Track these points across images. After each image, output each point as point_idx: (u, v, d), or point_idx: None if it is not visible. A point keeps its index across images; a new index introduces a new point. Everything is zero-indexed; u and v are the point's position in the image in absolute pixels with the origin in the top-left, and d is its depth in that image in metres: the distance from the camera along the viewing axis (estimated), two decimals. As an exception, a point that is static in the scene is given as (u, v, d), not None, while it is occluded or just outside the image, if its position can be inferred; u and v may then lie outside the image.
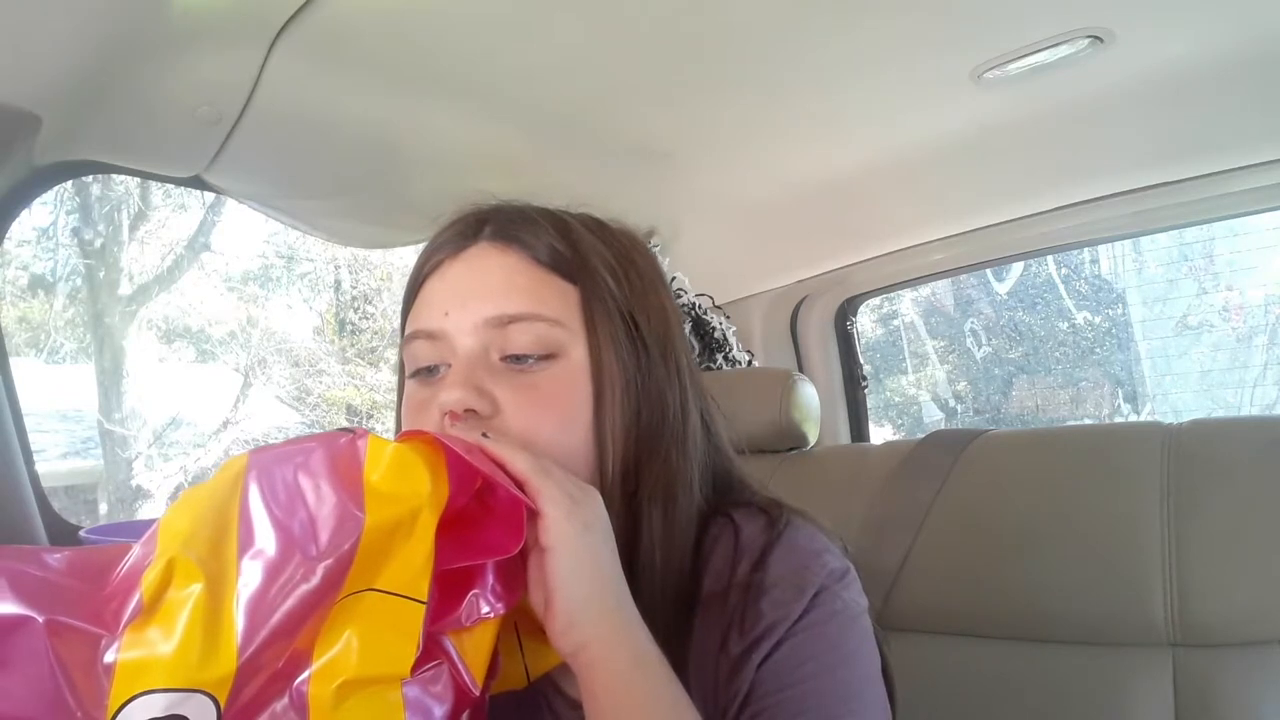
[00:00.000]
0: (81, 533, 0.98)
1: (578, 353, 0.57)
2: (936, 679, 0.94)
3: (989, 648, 0.94)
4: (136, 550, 0.41)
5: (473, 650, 0.47)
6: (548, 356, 0.57)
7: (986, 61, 1.03)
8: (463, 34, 0.92)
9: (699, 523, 0.60)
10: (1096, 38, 0.97)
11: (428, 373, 0.59)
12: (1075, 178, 1.32)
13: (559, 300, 0.58)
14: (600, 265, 0.59)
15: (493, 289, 0.57)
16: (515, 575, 0.49)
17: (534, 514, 0.48)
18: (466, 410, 0.54)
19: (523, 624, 0.53)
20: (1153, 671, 0.84)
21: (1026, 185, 1.36)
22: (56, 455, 5.49)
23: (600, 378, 0.57)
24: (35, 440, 1.06)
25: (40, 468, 1.02)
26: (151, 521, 0.44)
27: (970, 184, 1.38)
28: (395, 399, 0.65)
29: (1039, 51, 1.00)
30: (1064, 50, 1.00)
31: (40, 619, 0.38)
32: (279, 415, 6.17)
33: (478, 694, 0.47)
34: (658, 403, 0.59)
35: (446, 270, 0.59)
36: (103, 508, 5.46)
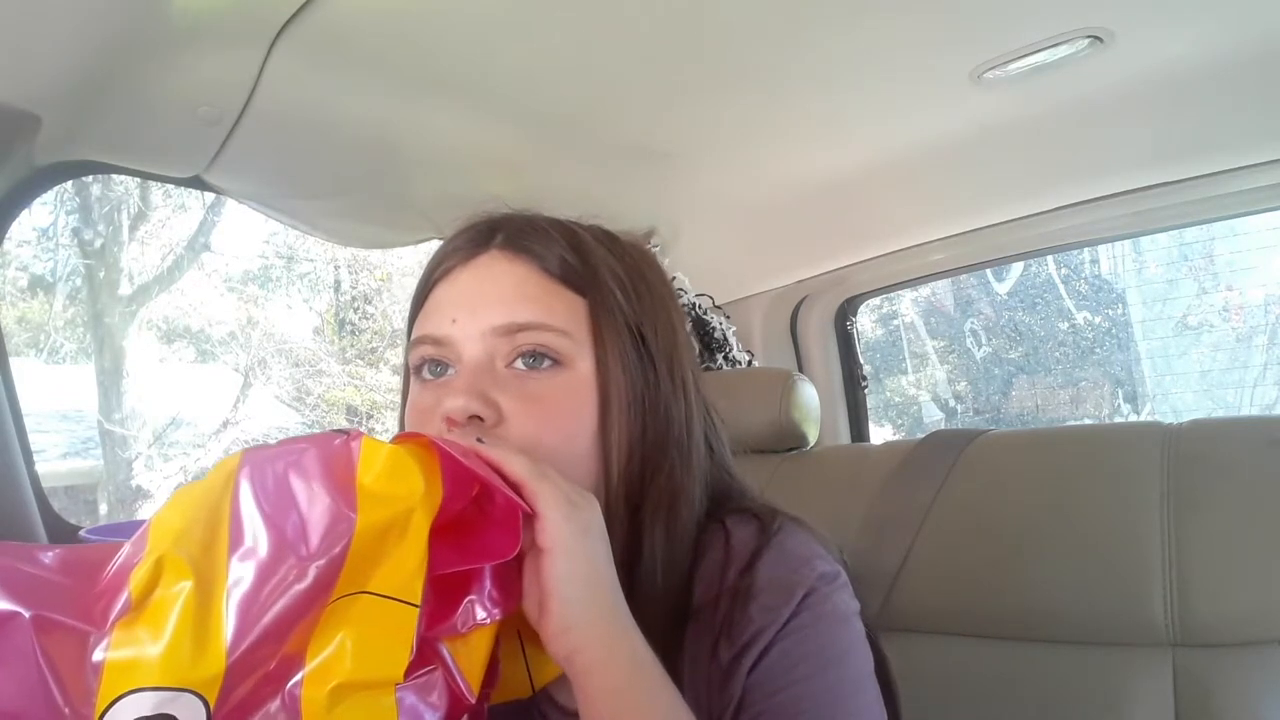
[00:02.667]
0: (81, 533, 0.98)
1: (584, 365, 0.57)
2: (936, 679, 0.94)
3: (989, 648, 0.94)
4: (127, 548, 0.41)
5: (468, 657, 0.47)
6: (554, 367, 0.56)
7: (986, 61, 1.03)
8: (463, 34, 0.92)
9: (694, 533, 0.60)
10: (1096, 38, 0.97)
11: (433, 378, 0.59)
12: (1075, 178, 1.32)
13: (567, 311, 0.57)
14: (610, 278, 0.59)
15: (502, 298, 0.57)
16: (512, 581, 0.49)
17: (530, 518, 0.47)
18: (471, 417, 0.54)
19: (526, 632, 0.53)
20: (1153, 671, 0.84)
21: (1026, 185, 1.36)
22: (56, 455, 5.49)
23: (606, 390, 0.57)
24: (35, 440, 1.06)
25: (40, 468, 1.02)
26: (151, 521, 0.43)
27: (970, 184, 1.38)
28: (395, 399, 0.65)
29: (1039, 51, 1.00)
30: (1064, 50, 1.00)
31: (27, 615, 0.38)
32: (279, 415, 6.17)
33: (473, 701, 0.46)
34: (663, 418, 0.59)
35: (456, 277, 0.59)
36: (103, 508, 5.46)
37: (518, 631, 0.53)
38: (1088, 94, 1.11)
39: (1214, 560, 0.85)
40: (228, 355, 6.38)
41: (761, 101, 1.13)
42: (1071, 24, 0.96)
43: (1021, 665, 0.91)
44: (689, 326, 1.54)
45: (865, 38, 0.98)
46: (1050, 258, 4.46)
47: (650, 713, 0.48)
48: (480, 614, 0.47)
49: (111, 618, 0.39)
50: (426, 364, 0.59)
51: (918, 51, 1.02)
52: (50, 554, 0.41)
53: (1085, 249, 4.35)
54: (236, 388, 5.91)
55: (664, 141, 1.23)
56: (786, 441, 1.26)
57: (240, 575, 0.40)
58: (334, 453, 0.43)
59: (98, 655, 0.38)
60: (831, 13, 0.93)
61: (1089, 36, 0.97)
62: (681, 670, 0.55)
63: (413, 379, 0.60)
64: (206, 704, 0.38)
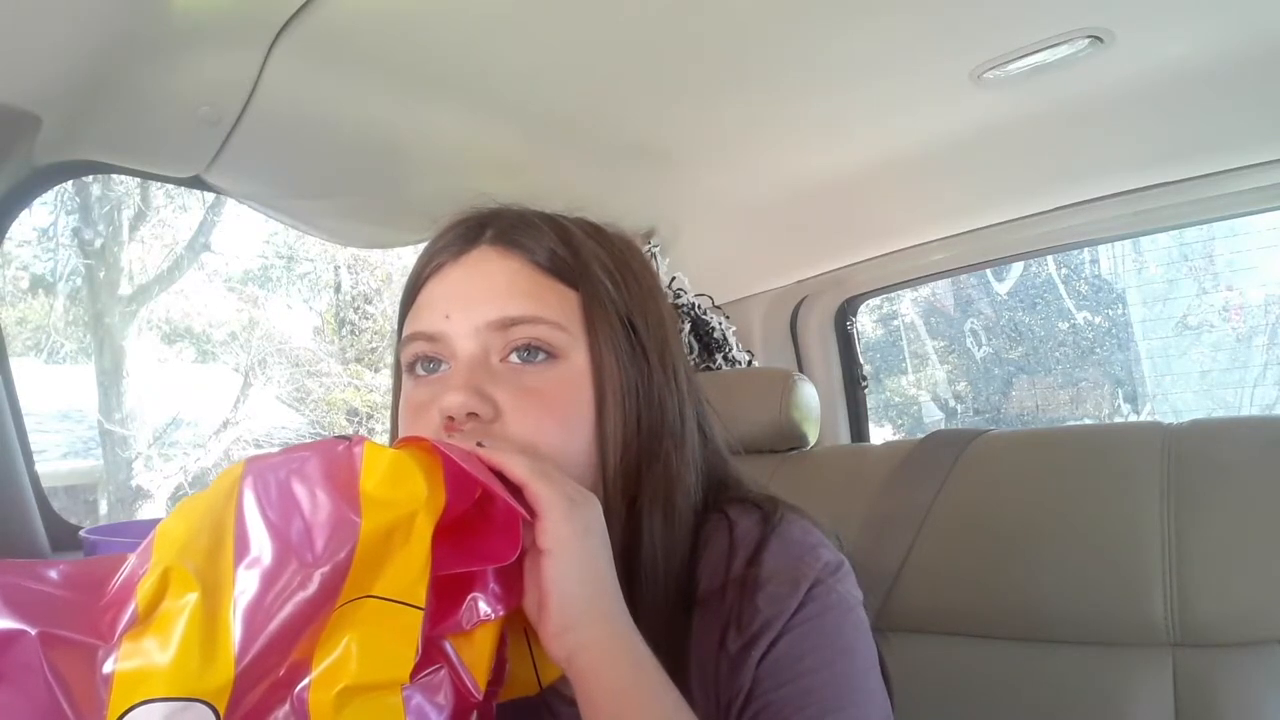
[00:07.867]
0: (81, 533, 0.98)
1: (579, 357, 0.57)
2: (936, 679, 0.94)
3: (989, 648, 0.94)
4: (133, 560, 0.41)
5: (473, 654, 0.47)
6: (549, 360, 0.57)
7: (986, 61, 1.03)
8: (463, 34, 0.92)
9: (694, 522, 0.60)
10: (1096, 38, 0.97)
11: (426, 374, 0.59)
12: (1075, 178, 1.32)
13: (560, 304, 0.58)
14: (600, 270, 0.60)
15: (495, 292, 0.57)
16: (515, 578, 0.49)
17: (529, 520, 0.48)
18: (469, 414, 0.54)
19: (532, 630, 0.53)
20: (1153, 671, 0.84)
21: (1026, 185, 1.36)
22: (56, 455, 5.49)
23: (602, 382, 0.57)
24: (35, 440, 1.06)
25: (40, 468, 1.03)
26: (152, 522, 0.43)
27: (970, 184, 1.38)
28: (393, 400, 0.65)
29: (1039, 51, 1.00)
30: (1064, 50, 1.00)
31: (33, 631, 0.38)
32: (279, 416, 6.17)
33: (479, 698, 0.46)
34: (657, 408, 0.59)
35: (448, 273, 0.59)
36: (103, 508, 5.46)
37: (524, 630, 0.53)
38: (1088, 94, 1.11)
39: (1214, 560, 0.85)
40: (228, 355, 6.38)
41: (761, 101, 1.13)
42: (1071, 24, 0.96)
43: (1021, 665, 0.91)
44: (689, 327, 1.54)
45: (865, 38, 0.98)
46: (1050, 258, 4.47)
47: (652, 712, 0.48)
48: (484, 610, 0.47)
49: (119, 630, 0.39)
50: (420, 360, 0.59)
51: (918, 51, 1.02)
52: (55, 569, 0.41)
53: (1085, 249, 4.35)
54: (237, 388, 5.91)
55: (663, 141, 1.23)
56: (786, 441, 1.26)
57: (247, 584, 0.40)
58: (337, 459, 0.43)
59: (107, 667, 0.38)
60: (831, 13, 0.93)
61: (1089, 36, 0.97)
62: (688, 659, 0.55)
63: (405, 376, 0.61)
64: (216, 713, 0.38)
